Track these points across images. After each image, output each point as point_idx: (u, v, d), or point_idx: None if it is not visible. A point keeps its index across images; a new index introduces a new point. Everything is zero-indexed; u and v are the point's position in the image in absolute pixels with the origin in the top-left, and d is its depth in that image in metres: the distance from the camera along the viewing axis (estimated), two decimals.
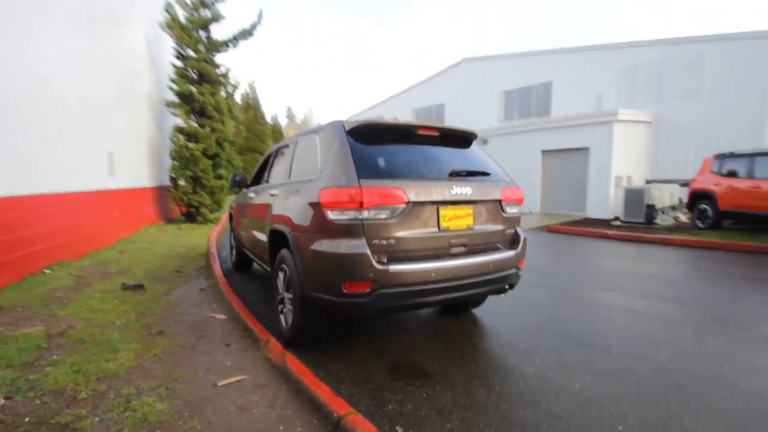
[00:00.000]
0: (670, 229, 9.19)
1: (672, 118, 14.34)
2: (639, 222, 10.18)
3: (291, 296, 2.96)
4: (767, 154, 7.57)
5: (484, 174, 3.04)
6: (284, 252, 3.11)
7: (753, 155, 7.82)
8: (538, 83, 17.57)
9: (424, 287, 2.61)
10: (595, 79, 16.01)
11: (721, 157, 8.60)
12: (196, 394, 2.32)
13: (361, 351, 3.01)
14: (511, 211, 3.12)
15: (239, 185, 4.96)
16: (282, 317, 3.23)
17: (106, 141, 7.04)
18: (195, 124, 9.76)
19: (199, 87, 9.69)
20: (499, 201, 3.02)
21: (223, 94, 10.48)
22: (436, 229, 2.72)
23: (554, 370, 2.70)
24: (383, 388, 2.48)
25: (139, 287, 4.53)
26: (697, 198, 8.91)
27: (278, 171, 3.91)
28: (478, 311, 3.88)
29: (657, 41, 14.74)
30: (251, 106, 26.56)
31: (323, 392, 2.21)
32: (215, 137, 9.94)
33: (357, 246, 2.48)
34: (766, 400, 2.31)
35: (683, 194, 12.91)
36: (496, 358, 2.94)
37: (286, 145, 3.91)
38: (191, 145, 9.36)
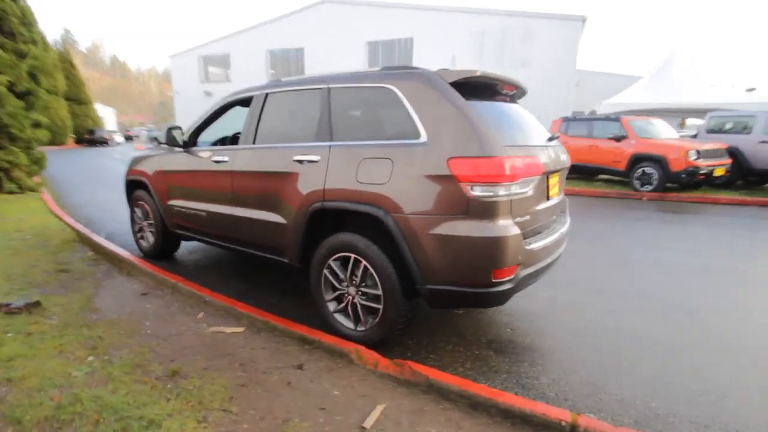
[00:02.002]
0: None
1: None
2: None
3: (378, 292, 2.36)
4: (601, 119, 9.78)
5: (557, 138, 2.96)
6: (349, 237, 2.43)
7: (591, 119, 9.99)
8: (401, 38, 17.93)
9: (545, 263, 2.46)
10: (451, 40, 17.30)
11: (567, 119, 10.68)
12: None
13: (440, 336, 2.71)
14: None
15: (173, 143, 3.56)
16: (340, 317, 2.58)
17: None
18: None
19: None
20: (567, 167, 3.01)
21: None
22: (546, 200, 2.54)
23: (627, 318, 2.98)
24: (518, 375, 2.31)
25: (33, 306, 2.89)
26: None
27: (289, 127, 2.94)
28: None
29: (500, 11, 16.74)
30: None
31: (511, 399, 1.90)
32: (27, 66, 6.74)
33: (508, 226, 2.11)
34: None
35: None
36: (566, 317, 3.02)
37: (295, 91, 2.91)
38: None
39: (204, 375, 2.15)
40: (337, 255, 2.52)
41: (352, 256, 2.44)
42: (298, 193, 2.66)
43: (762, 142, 8.72)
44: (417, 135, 2.24)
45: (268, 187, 2.88)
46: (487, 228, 2.07)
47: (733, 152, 8.78)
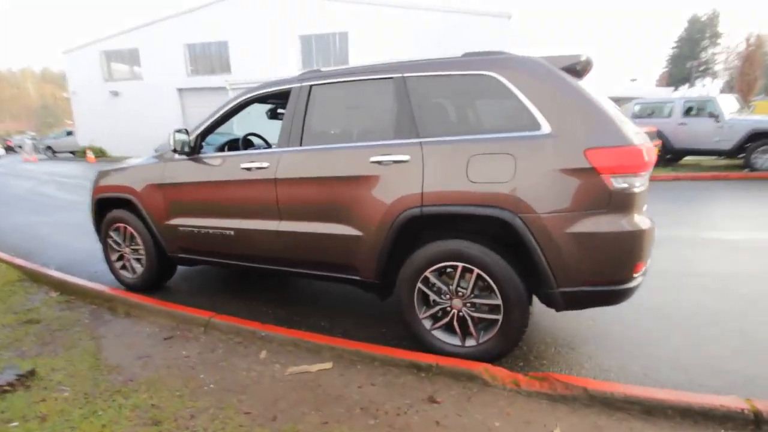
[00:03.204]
0: None
1: None
2: None
3: (496, 301, 2.13)
4: None
5: None
6: (457, 245, 2.17)
7: None
8: (336, 32, 17.41)
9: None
10: (387, 35, 17.20)
11: None
12: None
13: (534, 340, 2.59)
14: None
15: (182, 150, 2.93)
16: (440, 334, 2.31)
17: None
18: None
19: None
20: None
21: None
22: None
23: (680, 294, 3.09)
24: (642, 369, 2.25)
25: (28, 377, 2.15)
26: None
27: (352, 124, 2.59)
28: None
29: (435, 7, 17.01)
30: None
31: (684, 397, 1.81)
32: None
33: (645, 217, 2.03)
34: None
35: None
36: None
37: (352, 82, 2.51)
38: None
39: (332, 431, 1.74)
40: (437, 266, 2.23)
41: (460, 265, 2.17)
42: (379, 200, 2.30)
43: (680, 124, 9.99)
44: (536, 126, 2.04)
45: (333, 195, 2.46)
46: (629, 221, 1.95)
47: (658, 134, 9.93)
